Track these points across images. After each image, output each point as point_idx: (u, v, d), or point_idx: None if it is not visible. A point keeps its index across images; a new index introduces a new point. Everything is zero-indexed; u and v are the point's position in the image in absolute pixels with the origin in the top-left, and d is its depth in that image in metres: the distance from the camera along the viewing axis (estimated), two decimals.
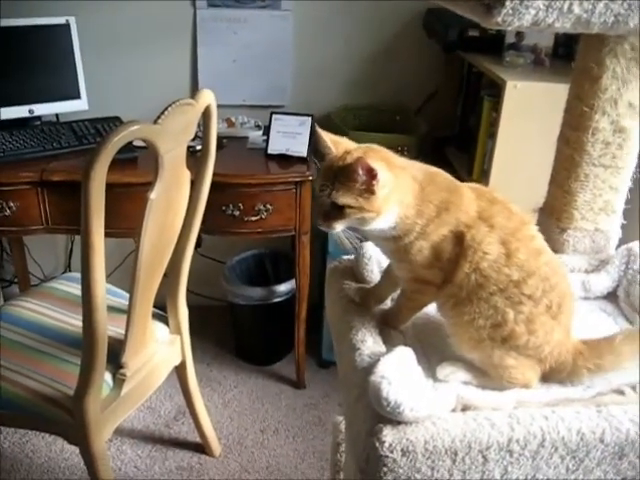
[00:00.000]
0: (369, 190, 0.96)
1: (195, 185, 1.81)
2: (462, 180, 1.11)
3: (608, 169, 1.32)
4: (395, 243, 1.02)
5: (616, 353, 1.05)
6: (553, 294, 1.02)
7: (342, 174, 0.97)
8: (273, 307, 2.58)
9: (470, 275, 1.01)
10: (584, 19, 0.94)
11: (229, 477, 2.22)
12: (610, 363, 1.05)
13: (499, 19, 0.89)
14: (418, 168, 1.06)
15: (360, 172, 0.95)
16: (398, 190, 0.99)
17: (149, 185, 1.49)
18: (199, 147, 1.95)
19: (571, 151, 1.32)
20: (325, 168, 1.00)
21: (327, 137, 1.02)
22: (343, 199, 0.97)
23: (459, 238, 1.01)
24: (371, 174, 0.95)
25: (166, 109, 1.45)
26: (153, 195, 1.49)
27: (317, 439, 2.39)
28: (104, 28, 2.61)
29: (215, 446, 2.30)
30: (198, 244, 2.74)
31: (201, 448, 2.31)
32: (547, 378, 1.07)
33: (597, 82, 1.24)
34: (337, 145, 1.02)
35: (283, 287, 2.57)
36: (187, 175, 1.70)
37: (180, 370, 2.11)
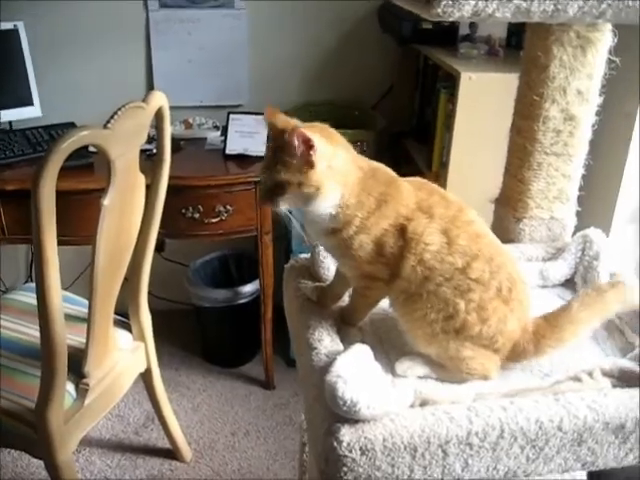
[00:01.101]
0: (308, 162, 0.95)
1: (151, 189, 1.79)
2: (422, 174, 1.11)
3: (560, 157, 1.33)
4: (335, 237, 1.01)
5: (575, 321, 1.05)
6: (501, 275, 1.01)
7: (281, 149, 0.96)
8: (239, 308, 2.56)
9: (416, 268, 1.00)
10: (524, 8, 0.94)
11: None
12: (570, 333, 1.06)
13: (439, 10, 0.89)
14: (363, 159, 1.06)
15: (296, 143, 0.93)
16: (339, 168, 0.98)
17: None
18: (155, 150, 1.92)
19: (523, 140, 1.32)
20: (268, 147, 1.00)
21: (278, 118, 1.00)
22: (283, 175, 0.96)
23: (401, 231, 1.00)
24: (308, 144, 0.94)
25: (115, 113, 1.42)
26: (106, 201, 1.47)
27: (288, 439, 2.38)
28: (54, 32, 2.56)
29: (186, 451, 2.28)
30: (161, 248, 2.72)
31: (172, 454, 2.28)
32: (509, 364, 1.08)
33: (545, 71, 1.25)
34: (286, 124, 1.00)
35: (248, 288, 2.55)
36: (141, 179, 1.67)
37: (146, 377, 2.08)
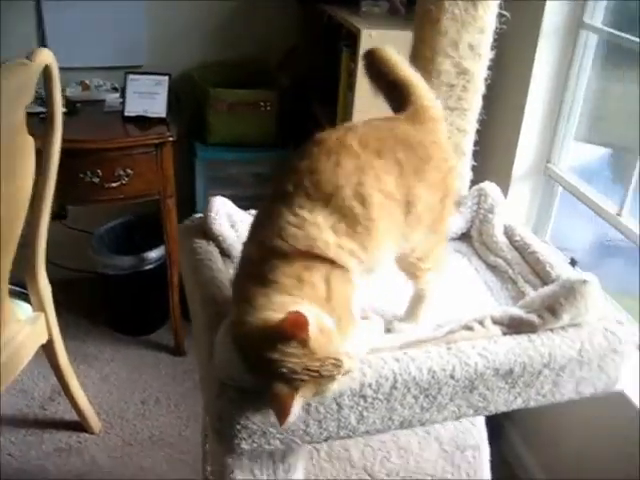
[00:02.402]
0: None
1: (43, 152, 1.70)
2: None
3: (454, 111, 1.33)
4: None
5: None
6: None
7: None
8: (145, 275, 2.50)
9: None
10: None
11: (111, 453, 2.16)
12: None
13: None
14: None
15: None
16: None
17: None
18: None
19: None
20: None
21: None
22: None
23: None
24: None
25: None
26: None
27: (199, 404, 2.34)
28: None
29: (94, 423, 2.22)
30: (63, 216, 2.62)
31: (80, 426, 2.22)
32: None
33: (437, 24, 1.25)
34: None
35: (153, 254, 2.49)
36: (30, 142, 1.58)
37: (48, 348, 2.01)
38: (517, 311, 1.06)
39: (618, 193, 1.78)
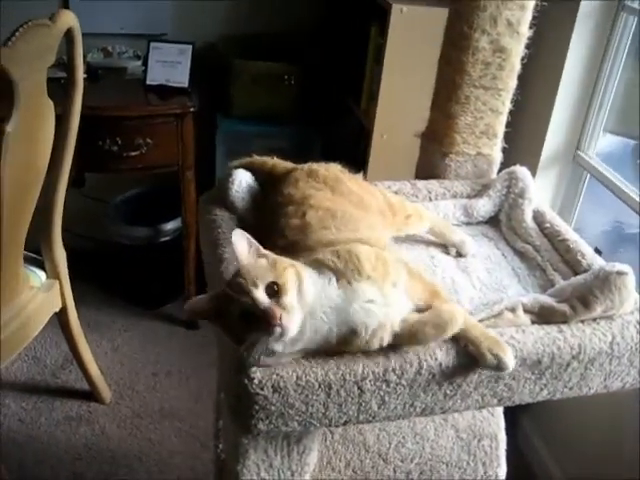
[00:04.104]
0: None
1: (63, 118, 1.67)
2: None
3: (488, 91, 1.29)
4: None
5: None
6: None
7: None
8: (161, 246, 2.48)
9: None
10: None
11: (120, 423, 2.15)
12: None
13: None
14: None
15: None
16: None
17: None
18: None
19: (451, 72, 1.29)
20: None
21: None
22: None
23: None
24: None
25: (17, 30, 1.30)
26: (10, 127, 1.35)
27: (212, 379, 2.33)
28: None
29: (105, 393, 2.22)
30: (81, 183, 2.59)
31: (91, 396, 2.22)
32: None
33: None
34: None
35: (170, 225, 2.47)
36: (50, 106, 1.56)
37: (62, 316, 1.99)
38: (548, 300, 1.02)
39: None
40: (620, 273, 0.99)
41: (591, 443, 1.81)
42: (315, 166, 1.14)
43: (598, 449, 1.78)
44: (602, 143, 2.00)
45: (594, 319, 1.00)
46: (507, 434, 1.45)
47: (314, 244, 0.95)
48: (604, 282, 0.99)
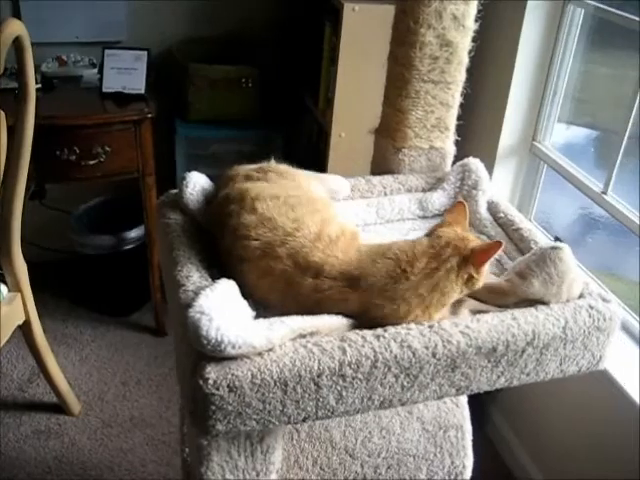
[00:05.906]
0: None
1: (16, 128, 1.65)
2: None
3: (438, 85, 1.30)
4: None
5: None
6: None
7: None
8: (125, 255, 2.46)
9: None
10: None
11: (91, 434, 2.13)
12: None
13: None
14: None
15: None
16: None
17: None
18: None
19: (400, 68, 1.29)
20: None
21: None
22: None
23: None
24: None
25: None
26: None
27: None
28: None
29: (74, 405, 2.19)
30: (42, 195, 2.57)
31: (59, 409, 2.19)
32: None
33: None
34: None
35: (133, 233, 2.45)
36: (1, 116, 1.54)
37: (26, 329, 1.97)
38: (488, 280, 1.04)
39: (601, 173, 1.76)
40: (554, 248, 1.03)
41: (559, 429, 1.84)
42: (245, 166, 1.17)
43: (566, 435, 1.81)
44: (566, 134, 2.04)
45: (547, 305, 1.02)
46: (476, 424, 1.47)
47: (290, 237, 0.97)
48: (540, 257, 1.03)
